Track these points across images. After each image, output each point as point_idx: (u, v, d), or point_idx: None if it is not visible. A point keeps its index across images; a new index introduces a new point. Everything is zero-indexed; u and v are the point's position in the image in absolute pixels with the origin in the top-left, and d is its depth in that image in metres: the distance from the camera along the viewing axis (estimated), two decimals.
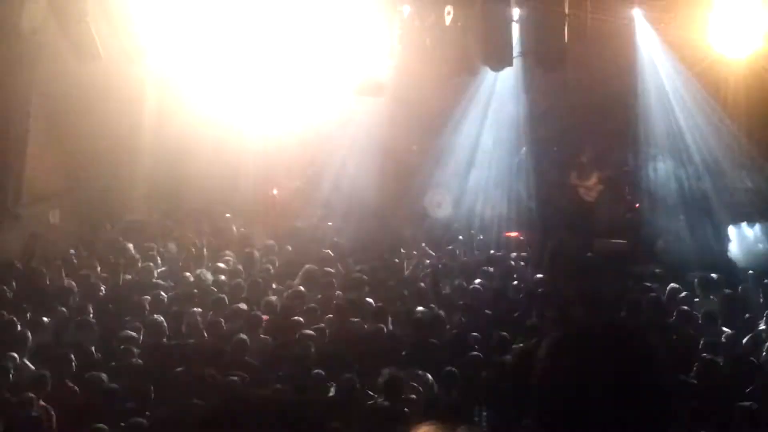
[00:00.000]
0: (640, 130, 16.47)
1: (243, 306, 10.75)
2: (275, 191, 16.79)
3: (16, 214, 13.32)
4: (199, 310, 10.64)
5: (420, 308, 11.07)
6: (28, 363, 9.00)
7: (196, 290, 11.54)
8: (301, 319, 10.39)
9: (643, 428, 2.11)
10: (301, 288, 11.70)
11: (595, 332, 2.29)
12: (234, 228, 14.80)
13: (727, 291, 11.61)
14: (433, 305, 11.19)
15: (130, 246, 13.16)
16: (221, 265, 12.74)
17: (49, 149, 13.96)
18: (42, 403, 8.19)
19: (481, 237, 15.48)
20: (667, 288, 11.90)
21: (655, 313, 10.99)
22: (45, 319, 10.00)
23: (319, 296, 11.50)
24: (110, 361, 9.21)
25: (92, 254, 13.02)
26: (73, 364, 8.79)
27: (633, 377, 2.13)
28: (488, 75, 15.64)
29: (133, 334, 9.66)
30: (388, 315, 10.70)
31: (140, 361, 9.21)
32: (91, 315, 10.23)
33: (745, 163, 15.31)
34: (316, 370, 8.84)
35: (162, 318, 10.21)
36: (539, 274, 13.25)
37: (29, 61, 13.45)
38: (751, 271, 12.52)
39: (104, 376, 8.57)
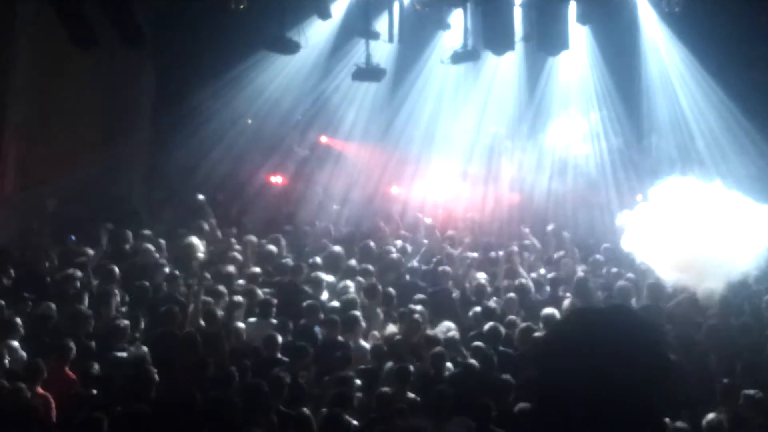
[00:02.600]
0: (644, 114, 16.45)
1: (239, 298, 10.65)
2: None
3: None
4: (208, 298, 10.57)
5: None
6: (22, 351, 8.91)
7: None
8: None
9: (647, 408, 2.09)
10: None
11: (594, 316, 2.30)
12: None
13: None
14: None
15: (129, 233, 13.02)
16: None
17: (45, 136, 13.81)
18: (41, 390, 8.13)
19: None
20: None
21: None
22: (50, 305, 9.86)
23: None
24: (108, 350, 9.09)
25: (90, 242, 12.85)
26: (72, 352, 8.69)
27: (635, 358, 2.11)
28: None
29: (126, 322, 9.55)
30: None
31: (145, 348, 9.14)
32: (87, 304, 10.08)
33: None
34: None
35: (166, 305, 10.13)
36: None
37: (25, 48, 13.33)
38: None
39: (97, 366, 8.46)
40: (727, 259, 10.47)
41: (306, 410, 7.84)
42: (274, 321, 10.22)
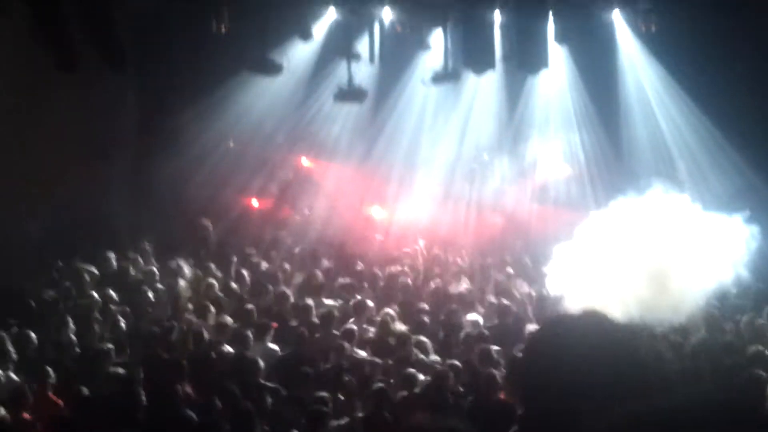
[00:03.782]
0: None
1: (228, 319, 10.67)
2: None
3: None
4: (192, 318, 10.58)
5: None
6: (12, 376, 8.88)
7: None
8: None
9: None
10: None
11: (571, 319, 2.33)
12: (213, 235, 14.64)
13: None
14: None
15: (111, 255, 13.02)
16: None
17: (28, 158, 13.77)
18: (26, 415, 8.11)
19: None
20: None
21: None
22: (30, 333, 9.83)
23: None
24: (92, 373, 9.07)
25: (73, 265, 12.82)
26: (53, 377, 8.66)
27: (613, 361, 2.12)
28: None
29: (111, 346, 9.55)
30: None
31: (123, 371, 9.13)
32: (71, 328, 10.06)
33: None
34: None
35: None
36: None
37: (7, 70, 13.31)
38: None
39: (85, 389, 8.46)
40: (694, 285, 10.14)
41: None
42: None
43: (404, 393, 8.68)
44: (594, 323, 2.24)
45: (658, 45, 15.49)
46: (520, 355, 9.06)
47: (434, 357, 9.89)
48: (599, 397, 2.02)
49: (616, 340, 2.18)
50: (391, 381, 9.03)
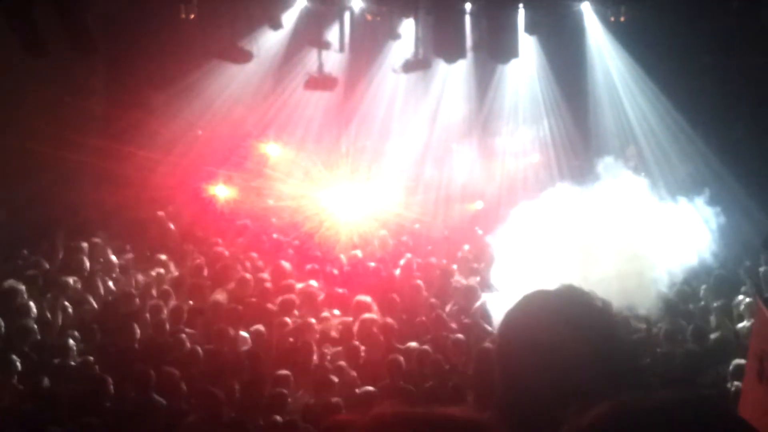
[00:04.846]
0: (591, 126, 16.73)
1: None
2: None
3: None
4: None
5: None
6: None
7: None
8: None
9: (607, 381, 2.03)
10: None
11: (546, 294, 2.26)
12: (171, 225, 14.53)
13: None
14: None
15: (85, 246, 12.91)
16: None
17: None
18: None
19: None
20: None
21: None
22: None
23: None
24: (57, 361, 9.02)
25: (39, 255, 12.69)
26: (17, 366, 8.60)
27: (591, 334, 2.08)
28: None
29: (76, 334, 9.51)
30: None
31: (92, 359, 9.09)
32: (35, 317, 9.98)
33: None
34: None
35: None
36: None
37: None
38: None
39: (46, 379, 8.42)
40: (654, 271, 10.11)
41: (279, 417, 7.85)
42: None
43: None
44: (570, 298, 2.18)
45: (627, 36, 15.65)
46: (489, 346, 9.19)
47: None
48: (580, 381, 1.97)
49: (595, 315, 2.13)
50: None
